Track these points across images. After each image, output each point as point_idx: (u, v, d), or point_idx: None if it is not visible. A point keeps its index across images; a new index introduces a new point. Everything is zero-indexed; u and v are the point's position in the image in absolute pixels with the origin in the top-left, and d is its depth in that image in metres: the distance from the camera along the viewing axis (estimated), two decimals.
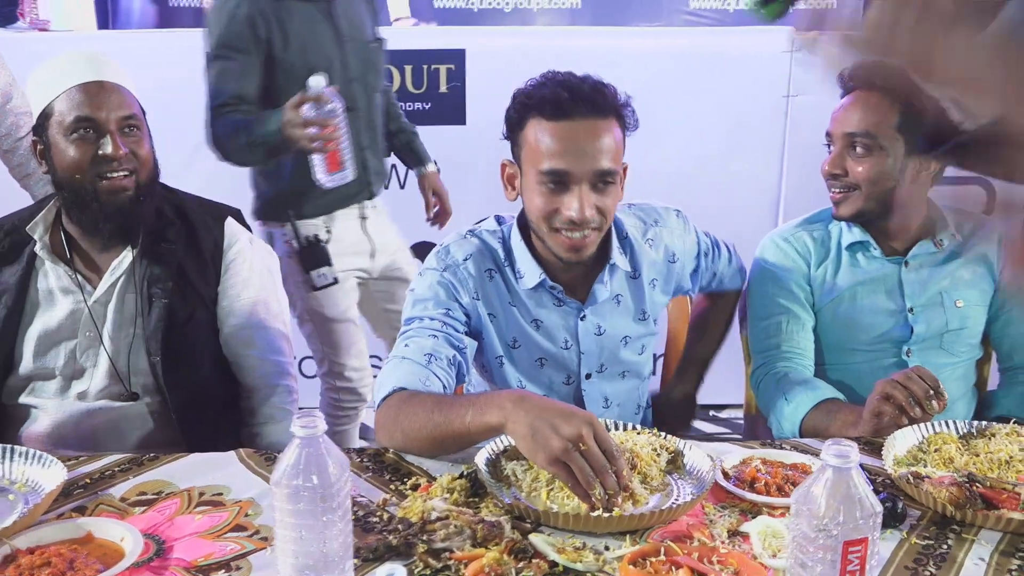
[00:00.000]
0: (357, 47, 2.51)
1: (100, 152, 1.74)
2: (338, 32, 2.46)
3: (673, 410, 2.11)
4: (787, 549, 1.15)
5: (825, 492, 1.02)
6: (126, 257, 1.83)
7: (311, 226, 2.50)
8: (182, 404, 1.83)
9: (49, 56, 1.93)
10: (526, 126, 1.67)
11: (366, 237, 2.63)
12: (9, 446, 1.49)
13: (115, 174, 1.75)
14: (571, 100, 1.61)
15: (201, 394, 1.86)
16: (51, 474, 1.43)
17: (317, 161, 2.19)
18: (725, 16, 5.05)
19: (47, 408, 1.81)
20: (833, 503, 1.02)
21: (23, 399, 1.81)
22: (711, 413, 3.77)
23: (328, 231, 2.52)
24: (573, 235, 1.66)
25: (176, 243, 1.86)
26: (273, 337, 1.94)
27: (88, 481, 1.46)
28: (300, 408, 1.96)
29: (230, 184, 2.76)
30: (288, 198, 2.48)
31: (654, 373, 2.27)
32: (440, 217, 2.91)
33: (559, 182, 1.64)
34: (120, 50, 3.29)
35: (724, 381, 3.05)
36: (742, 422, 3.70)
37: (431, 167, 2.89)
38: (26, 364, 1.80)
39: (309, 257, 2.47)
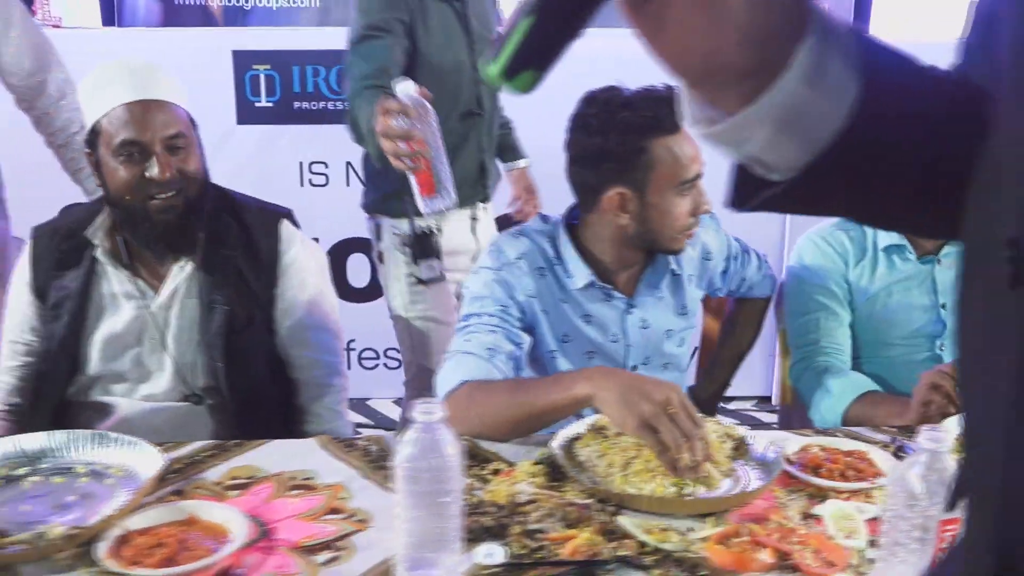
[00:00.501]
0: (485, 47, 2.46)
1: (147, 174, 1.74)
2: (469, 32, 2.43)
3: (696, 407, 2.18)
4: (881, 528, 1.22)
5: (921, 474, 1.10)
6: (186, 265, 1.85)
7: (422, 223, 2.44)
8: (241, 404, 1.87)
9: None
10: (651, 148, 1.70)
11: (474, 239, 2.59)
12: (102, 432, 1.53)
13: (163, 195, 1.76)
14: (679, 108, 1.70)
15: (258, 394, 1.90)
16: (145, 458, 1.47)
17: (412, 181, 1.92)
18: None
19: (114, 406, 1.84)
20: (929, 484, 1.09)
21: (91, 397, 1.85)
22: (719, 404, 3.85)
23: (439, 229, 2.47)
24: (695, 227, 1.79)
25: (235, 250, 1.88)
26: (327, 337, 1.98)
27: (181, 466, 1.51)
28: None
29: (249, 187, 2.79)
30: (406, 195, 2.26)
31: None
32: (527, 213, 2.87)
33: (695, 184, 1.73)
34: (126, 49, 3.32)
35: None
36: (751, 414, 3.81)
37: (524, 162, 2.87)
38: (94, 367, 1.83)
39: (419, 247, 2.40)
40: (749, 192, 0.62)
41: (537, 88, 0.54)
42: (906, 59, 0.59)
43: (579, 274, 1.81)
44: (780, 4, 0.53)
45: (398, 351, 3.20)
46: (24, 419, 1.86)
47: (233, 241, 1.89)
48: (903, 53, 0.59)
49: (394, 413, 3.61)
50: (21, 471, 1.48)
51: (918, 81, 0.60)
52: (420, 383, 2.57)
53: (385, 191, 2.45)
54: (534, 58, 0.52)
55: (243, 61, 3.38)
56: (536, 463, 1.50)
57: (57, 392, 1.85)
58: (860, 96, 0.55)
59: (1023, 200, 0.51)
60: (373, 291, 3.48)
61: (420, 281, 2.43)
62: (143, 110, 1.74)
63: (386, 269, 2.53)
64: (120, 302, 1.84)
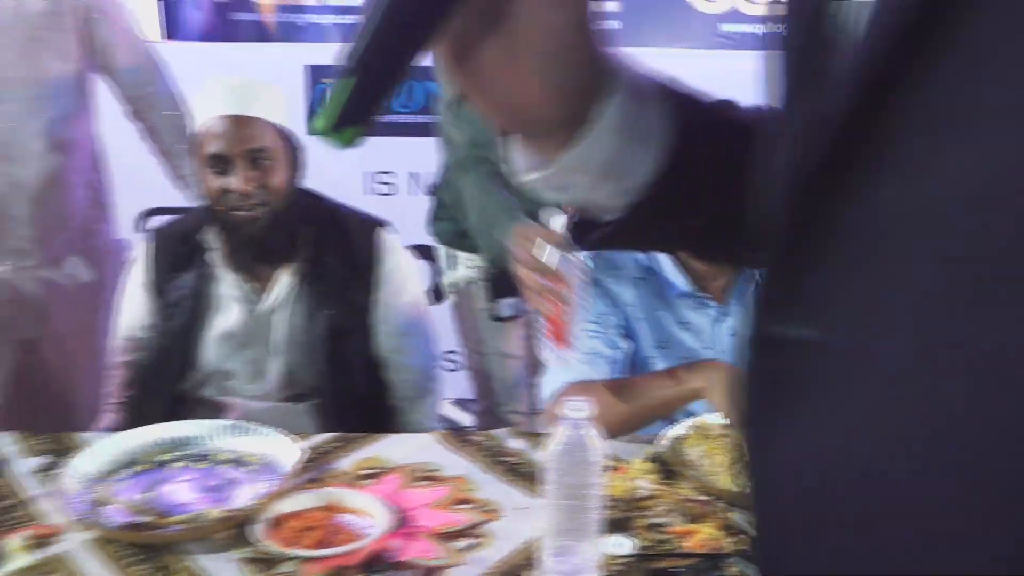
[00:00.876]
0: None
1: (228, 186, 1.82)
2: None
3: None
4: None
5: None
6: (290, 272, 1.94)
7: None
8: (341, 405, 1.94)
9: None
10: None
11: None
12: (236, 422, 1.62)
13: (245, 207, 1.83)
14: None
15: (357, 395, 1.98)
16: (280, 447, 1.55)
17: (543, 322, 1.72)
18: (756, 40, 5.06)
19: (227, 404, 1.93)
20: None
21: (205, 394, 1.94)
22: None
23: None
24: None
25: (336, 257, 1.96)
26: (423, 342, 2.06)
27: (313, 456, 1.59)
28: None
29: None
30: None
31: None
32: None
33: None
34: (182, 62, 3.43)
35: None
36: None
37: None
38: (208, 364, 1.92)
39: (500, 284, 2.30)
40: (584, 231, 0.65)
41: (361, 142, 0.55)
42: (716, 105, 0.64)
43: (676, 283, 1.89)
44: (583, 63, 0.55)
45: (455, 352, 3.26)
46: (136, 411, 1.94)
47: (334, 249, 1.97)
48: (712, 98, 0.64)
49: (452, 413, 3.69)
50: (167, 456, 1.57)
51: (725, 122, 0.64)
52: (490, 418, 2.54)
53: (462, 225, 2.34)
54: (356, 115, 0.54)
55: (315, 75, 3.48)
56: (647, 460, 1.58)
57: (169, 387, 1.94)
58: (671, 141, 0.59)
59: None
60: (433, 294, 3.56)
61: (497, 318, 2.41)
62: (230, 124, 1.82)
63: (460, 302, 2.51)
64: (231, 304, 1.93)
